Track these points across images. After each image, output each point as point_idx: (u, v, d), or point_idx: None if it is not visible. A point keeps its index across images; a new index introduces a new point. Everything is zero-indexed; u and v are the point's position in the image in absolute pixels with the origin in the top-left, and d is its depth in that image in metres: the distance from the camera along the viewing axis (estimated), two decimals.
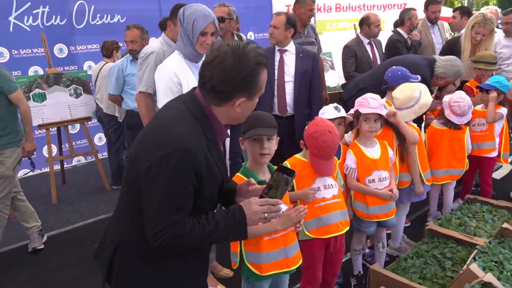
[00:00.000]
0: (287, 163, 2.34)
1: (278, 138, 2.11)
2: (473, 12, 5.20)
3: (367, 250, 3.28)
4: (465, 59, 4.07)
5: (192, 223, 1.44)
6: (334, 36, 7.77)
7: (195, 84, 2.49)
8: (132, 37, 4.22)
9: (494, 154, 3.72)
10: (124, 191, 1.58)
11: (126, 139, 4.71)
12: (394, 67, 3.27)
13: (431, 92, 3.57)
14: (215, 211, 1.61)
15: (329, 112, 2.70)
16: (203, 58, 1.59)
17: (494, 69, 3.86)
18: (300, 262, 2.19)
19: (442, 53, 4.32)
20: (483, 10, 4.60)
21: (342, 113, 2.72)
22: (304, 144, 2.34)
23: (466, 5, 16.86)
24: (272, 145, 2.04)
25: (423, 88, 3.02)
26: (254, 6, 7.23)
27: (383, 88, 3.24)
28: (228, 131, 1.64)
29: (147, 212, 1.42)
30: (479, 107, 3.72)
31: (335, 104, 2.79)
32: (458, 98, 3.35)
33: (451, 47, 4.19)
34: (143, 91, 3.14)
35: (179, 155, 1.36)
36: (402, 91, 2.99)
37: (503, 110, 3.66)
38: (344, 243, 2.58)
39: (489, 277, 2.10)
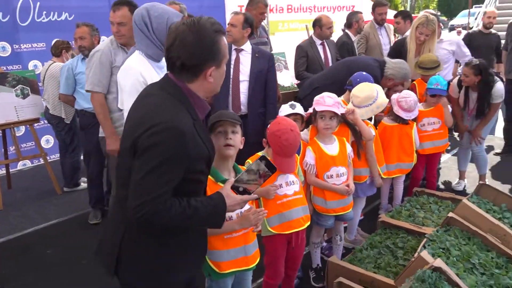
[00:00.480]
0: (249, 161, 2.39)
1: (244, 138, 2.15)
2: (414, 16, 5.52)
3: (324, 244, 3.40)
4: (411, 59, 4.31)
5: (174, 203, 1.47)
6: (287, 36, 7.91)
7: None
8: (81, 33, 4.11)
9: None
10: (120, 180, 1.61)
11: (81, 140, 4.56)
12: (363, 73, 3.39)
13: None
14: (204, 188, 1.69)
15: (285, 109, 2.80)
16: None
17: (433, 73, 4.11)
18: (258, 260, 2.25)
19: (391, 53, 4.55)
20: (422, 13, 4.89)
21: (297, 110, 2.81)
22: (266, 142, 2.40)
23: (408, 8, 17.69)
24: (236, 138, 2.07)
25: (379, 89, 3.19)
26: (207, 5, 7.21)
27: (345, 88, 3.38)
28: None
29: (132, 184, 1.45)
30: (421, 107, 3.95)
31: (292, 102, 2.89)
32: (405, 95, 3.57)
33: (399, 48, 4.42)
34: (89, 89, 3.17)
35: (169, 133, 1.43)
36: (362, 90, 3.14)
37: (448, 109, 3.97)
38: (305, 238, 2.67)
39: (438, 262, 2.27)
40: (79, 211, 4.40)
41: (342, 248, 3.24)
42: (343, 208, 2.89)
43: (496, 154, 5.52)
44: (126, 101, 2.53)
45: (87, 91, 3.24)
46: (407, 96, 3.55)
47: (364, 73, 3.34)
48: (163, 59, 2.64)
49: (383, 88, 3.95)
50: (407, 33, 4.60)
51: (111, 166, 3.33)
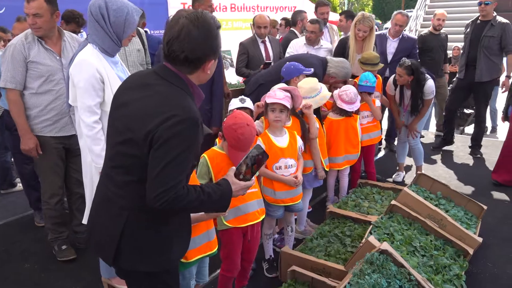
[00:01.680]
0: (205, 156, 2.41)
1: None
2: None
3: (276, 235, 3.49)
4: (352, 56, 4.52)
5: (190, 188, 1.56)
6: (232, 35, 7.96)
7: (117, 80, 2.46)
8: (22, 29, 3.89)
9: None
10: (119, 168, 1.62)
11: (6, 140, 4.27)
12: (288, 63, 3.53)
13: None
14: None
15: (235, 103, 2.85)
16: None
17: (378, 68, 4.36)
18: (217, 246, 2.30)
19: (336, 51, 4.75)
20: None
21: (247, 104, 2.87)
22: (222, 136, 2.43)
23: (346, 9, 18.39)
24: None
25: (322, 84, 3.33)
26: (149, 2, 7.08)
27: (282, 82, 3.47)
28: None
29: (153, 173, 1.49)
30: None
31: (242, 96, 2.96)
32: (345, 88, 3.75)
33: (343, 45, 4.62)
34: (1, 86, 3.01)
35: (190, 123, 1.50)
36: (307, 82, 3.26)
37: (378, 102, 4.26)
38: (260, 230, 2.73)
39: (385, 246, 2.42)
40: (19, 213, 4.17)
41: (293, 239, 3.34)
42: (292, 199, 2.97)
43: (434, 148, 5.88)
44: (81, 97, 2.44)
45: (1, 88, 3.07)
46: (347, 89, 3.73)
47: (292, 66, 3.45)
48: (117, 55, 2.61)
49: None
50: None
51: (41, 165, 3.20)
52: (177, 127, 1.48)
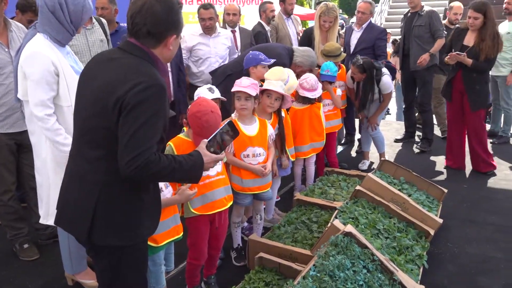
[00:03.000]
0: (171, 144, 2.40)
1: None
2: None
3: (245, 224, 3.51)
4: (318, 46, 4.58)
5: (162, 155, 1.59)
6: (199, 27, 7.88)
7: (71, 72, 2.40)
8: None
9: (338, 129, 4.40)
10: (89, 143, 1.66)
11: None
12: (250, 56, 3.53)
13: None
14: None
15: (203, 93, 2.82)
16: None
17: (341, 59, 4.43)
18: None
19: (301, 42, 4.80)
20: None
21: (216, 94, 2.86)
22: (187, 123, 2.42)
23: (313, 5, 18.56)
24: None
25: (291, 72, 3.35)
26: None
27: (244, 72, 3.49)
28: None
29: (123, 140, 1.53)
30: None
31: (210, 86, 2.94)
32: (304, 76, 3.76)
33: (309, 36, 4.68)
34: None
35: (156, 89, 1.57)
36: (273, 73, 3.28)
37: (339, 92, 4.37)
38: (228, 218, 2.74)
39: (349, 228, 2.48)
40: None
41: (262, 227, 3.37)
42: (259, 187, 2.99)
43: (396, 140, 5.92)
44: (33, 90, 2.34)
45: None
46: (307, 76, 3.76)
47: (251, 55, 3.48)
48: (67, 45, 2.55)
49: None
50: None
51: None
52: (144, 92, 1.53)
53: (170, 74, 3.69)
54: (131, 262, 1.77)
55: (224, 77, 3.96)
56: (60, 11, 2.32)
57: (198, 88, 2.92)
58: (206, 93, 2.82)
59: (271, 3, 5.63)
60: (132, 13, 1.65)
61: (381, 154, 4.80)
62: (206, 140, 1.81)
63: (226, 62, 4.44)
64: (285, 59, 3.89)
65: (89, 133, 1.66)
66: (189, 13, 8.13)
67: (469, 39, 4.38)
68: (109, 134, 1.58)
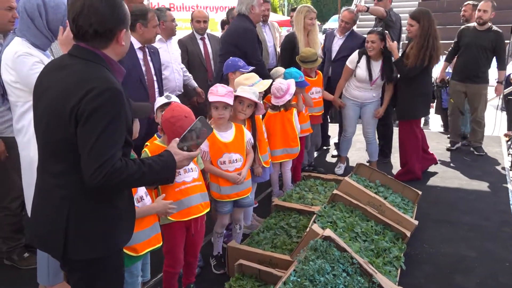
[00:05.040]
0: (146, 150, 2.36)
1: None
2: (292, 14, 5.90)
3: (224, 231, 3.47)
4: (303, 48, 4.60)
5: (128, 161, 1.54)
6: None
7: None
8: None
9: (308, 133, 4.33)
10: (51, 158, 1.61)
11: None
12: (231, 57, 3.54)
13: None
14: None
15: (161, 100, 2.75)
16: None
17: (318, 64, 4.46)
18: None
19: (284, 47, 4.81)
20: None
21: (173, 100, 2.79)
22: (161, 129, 2.38)
23: (286, 11, 18.74)
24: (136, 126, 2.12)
25: (263, 82, 3.37)
26: None
27: (223, 78, 3.49)
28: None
29: (85, 151, 1.47)
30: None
31: (167, 93, 2.91)
32: (275, 83, 3.68)
33: (292, 40, 4.66)
34: None
35: (111, 93, 1.49)
36: (243, 77, 3.29)
37: (316, 97, 4.39)
38: (204, 225, 2.71)
39: (328, 232, 2.49)
40: None
41: (241, 235, 3.34)
42: (238, 194, 2.96)
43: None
44: (22, 91, 2.37)
45: None
46: (277, 83, 3.67)
47: (230, 61, 3.48)
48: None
49: None
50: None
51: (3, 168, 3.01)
52: (98, 98, 1.47)
53: (155, 83, 3.63)
54: (106, 274, 1.72)
55: (219, 79, 3.93)
56: (39, 18, 2.34)
57: (158, 98, 2.88)
58: (163, 100, 2.75)
59: (268, 2, 5.60)
60: (73, 16, 1.56)
61: (373, 163, 4.73)
62: (177, 139, 1.77)
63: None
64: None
65: (50, 146, 1.60)
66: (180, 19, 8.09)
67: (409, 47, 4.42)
68: (70, 146, 1.52)
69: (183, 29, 8.45)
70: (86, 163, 1.47)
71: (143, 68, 3.52)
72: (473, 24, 5.29)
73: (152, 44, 3.74)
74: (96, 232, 1.63)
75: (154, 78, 3.61)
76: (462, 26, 5.42)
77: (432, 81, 5.18)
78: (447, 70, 5.78)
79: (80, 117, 1.47)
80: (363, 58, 4.43)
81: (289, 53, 4.67)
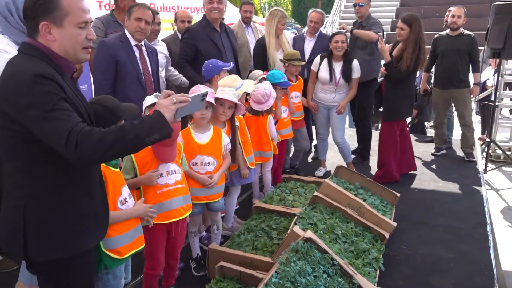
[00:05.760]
0: None
1: None
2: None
3: (204, 233, 3.46)
4: (272, 53, 4.60)
5: (94, 128, 1.49)
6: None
7: None
8: None
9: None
10: (4, 155, 1.59)
11: None
12: (206, 61, 3.51)
13: None
14: None
15: (150, 100, 2.74)
16: None
17: (304, 63, 4.51)
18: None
19: (256, 51, 4.81)
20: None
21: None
22: None
23: (267, 14, 18.80)
24: None
25: (249, 82, 3.37)
26: None
27: (204, 81, 3.45)
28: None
29: (51, 139, 1.46)
30: None
31: (156, 93, 2.90)
32: (255, 88, 3.63)
33: (262, 44, 4.70)
34: None
35: (31, 78, 1.45)
36: (228, 78, 3.28)
37: (296, 101, 4.43)
38: (185, 227, 2.69)
39: (309, 234, 2.51)
40: None
41: (221, 236, 3.33)
42: (207, 197, 2.91)
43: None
44: None
45: None
46: (256, 89, 3.63)
47: (210, 64, 3.43)
48: None
49: None
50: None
51: None
52: (21, 87, 1.45)
53: (153, 84, 3.57)
54: (72, 276, 1.69)
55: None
56: (10, 16, 2.32)
57: (146, 97, 2.85)
58: (152, 100, 2.74)
59: (251, 4, 5.59)
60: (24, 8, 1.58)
61: (349, 164, 4.80)
62: (173, 98, 1.64)
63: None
64: None
65: (3, 145, 1.58)
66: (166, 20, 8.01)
67: (396, 50, 4.53)
68: (20, 143, 1.51)
69: (164, 30, 8.41)
70: (54, 146, 1.46)
71: (140, 67, 3.46)
72: (445, 31, 5.45)
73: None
74: (56, 232, 1.60)
75: (152, 78, 3.54)
76: (436, 35, 5.55)
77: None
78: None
79: (19, 110, 1.45)
80: (325, 61, 4.57)
81: (262, 57, 4.68)
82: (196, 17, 7.77)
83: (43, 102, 1.43)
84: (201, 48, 4.00)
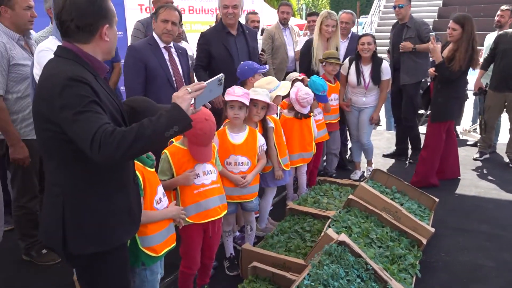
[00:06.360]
0: (166, 152, 2.39)
1: None
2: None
3: (237, 233, 3.50)
4: (315, 53, 4.58)
5: (116, 127, 1.50)
6: (190, 37, 7.92)
7: None
8: None
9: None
10: (45, 154, 1.68)
11: None
12: (242, 63, 3.55)
13: None
14: None
15: None
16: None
17: (340, 65, 4.51)
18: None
19: (302, 51, 4.82)
20: None
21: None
22: None
23: (304, 15, 18.72)
24: None
25: (285, 84, 3.39)
26: None
27: (238, 83, 3.49)
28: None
29: (79, 140, 1.50)
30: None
31: None
32: (304, 95, 3.68)
33: (309, 45, 4.68)
34: None
35: (69, 81, 1.51)
36: (260, 82, 3.30)
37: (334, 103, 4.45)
38: (221, 227, 2.73)
39: (343, 237, 2.49)
40: None
41: (254, 237, 3.36)
42: (240, 197, 2.95)
43: (385, 156, 5.76)
44: None
45: None
46: (306, 96, 3.67)
47: (246, 66, 3.47)
48: None
49: None
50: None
51: (25, 169, 3.08)
52: (55, 89, 1.51)
53: (184, 84, 3.62)
54: (108, 270, 1.76)
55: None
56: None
57: None
58: None
59: (256, 14, 5.64)
60: (57, 13, 1.60)
61: (369, 162, 4.91)
62: (188, 87, 1.64)
63: None
64: None
65: (42, 145, 1.67)
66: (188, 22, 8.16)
67: (447, 50, 4.42)
68: (56, 143, 1.58)
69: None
70: (82, 147, 1.49)
71: (170, 68, 3.47)
72: (511, 30, 5.22)
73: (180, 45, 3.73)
74: (93, 227, 1.66)
75: (183, 79, 3.54)
76: (500, 32, 5.33)
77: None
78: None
79: (56, 112, 1.51)
80: (353, 64, 4.57)
81: (307, 58, 4.68)
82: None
83: (74, 104, 1.48)
84: (214, 53, 3.99)
